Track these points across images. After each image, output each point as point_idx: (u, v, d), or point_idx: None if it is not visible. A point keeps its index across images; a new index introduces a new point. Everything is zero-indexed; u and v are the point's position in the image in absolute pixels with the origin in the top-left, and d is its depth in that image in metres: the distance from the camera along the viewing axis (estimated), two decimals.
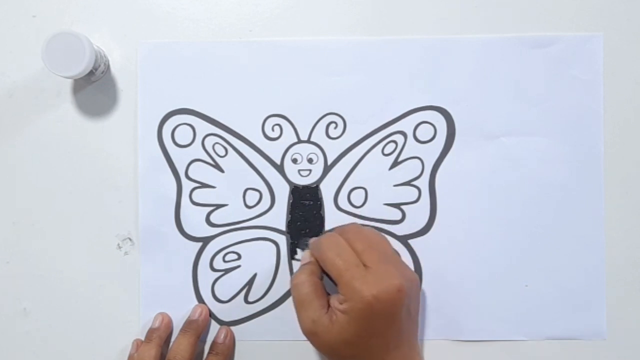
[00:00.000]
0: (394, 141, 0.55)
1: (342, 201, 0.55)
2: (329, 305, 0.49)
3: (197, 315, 0.54)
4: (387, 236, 0.54)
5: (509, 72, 0.54)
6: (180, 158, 0.55)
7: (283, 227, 0.55)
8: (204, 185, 0.55)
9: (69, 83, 0.55)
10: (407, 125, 0.55)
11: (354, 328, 0.47)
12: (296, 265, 0.55)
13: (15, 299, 0.55)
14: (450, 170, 0.55)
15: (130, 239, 0.55)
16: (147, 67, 0.55)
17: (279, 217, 0.55)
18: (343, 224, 0.54)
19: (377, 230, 0.54)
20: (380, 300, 0.46)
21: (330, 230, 0.55)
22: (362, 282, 0.47)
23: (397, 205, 0.55)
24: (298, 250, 0.55)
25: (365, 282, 0.47)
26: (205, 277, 0.55)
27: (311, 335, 0.48)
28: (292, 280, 0.50)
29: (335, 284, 0.48)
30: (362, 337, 0.47)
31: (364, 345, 0.47)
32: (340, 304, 0.47)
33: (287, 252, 0.55)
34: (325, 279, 0.51)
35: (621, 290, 0.55)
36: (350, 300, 0.47)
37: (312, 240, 0.53)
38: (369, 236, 0.50)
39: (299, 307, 0.49)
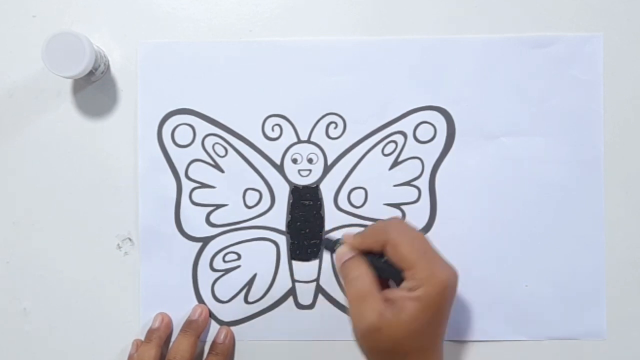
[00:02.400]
0: (394, 141, 0.55)
1: (342, 201, 0.55)
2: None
3: (197, 315, 0.54)
4: None
5: (509, 72, 0.54)
6: (180, 158, 0.55)
7: (283, 227, 0.55)
8: (204, 185, 0.55)
9: (69, 83, 0.55)
10: (407, 125, 0.55)
11: (426, 315, 0.45)
12: (296, 266, 0.55)
13: (15, 299, 0.55)
14: (450, 170, 0.55)
15: (130, 239, 0.55)
16: (147, 67, 0.55)
17: (279, 217, 0.55)
18: (343, 223, 0.54)
19: None
20: (454, 285, 0.46)
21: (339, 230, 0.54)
22: (440, 266, 0.46)
23: (397, 205, 0.55)
24: (321, 252, 0.53)
25: (442, 267, 0.46)
26: (205, 277, 0.55)
27: (374, 331, 0.45)
28: (346, 275, 0.48)
29: (394, 277, 0.47)
30: (432, 325, 0.46)
31: (432, 335, 0.46)
32: (412, 291, 0.45)
33: (287, 252, 0.55)
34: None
35: (621, 290, 0.55)
36: (427, 285, 0.45)
37: (350, 234, 0.50)
38: (415, 230, 0.50)
39: (358, 302, 0.46)
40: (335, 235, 0.54)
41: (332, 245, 0.50)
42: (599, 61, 0.54)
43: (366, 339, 0.46)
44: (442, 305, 0.46)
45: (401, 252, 0.46)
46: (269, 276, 0.55)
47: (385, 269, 0.47)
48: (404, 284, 0.46)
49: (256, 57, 0.55)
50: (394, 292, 0.46)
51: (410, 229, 0.49)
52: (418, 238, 0.48)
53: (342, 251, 0.49)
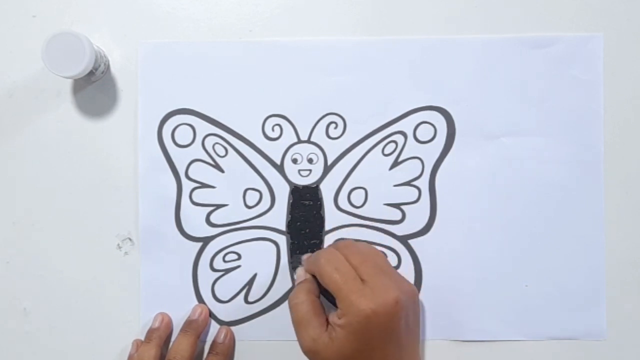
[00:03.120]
0: (394, 141, 0.55)
1: (342, 201, 0.55)
2: (327, 324, 0.48)
3: (197, 315, 0.54)
4: (387, 236, 0.54)
5: (509, 72, 0.54)
6: (181, 158, 0.55)
7: (283, 227, 0.55)
8: (204, 185, 0.55)
9: (69, 83, 0.55)
10: (407, 125, 0.55)
11: (353, 343, 0.47)
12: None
13: (15, 299, 0.55)
14: (450, 171, 0.55)
15: (130, 239, 0.55)
16: (147, 67, 0.55)
17: (279, 217, 0.55)
18: (343, 223, 0.54)
19: (377, 230, 0.55)
20: (378, 313, 0.46)
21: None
22: (359, 296, 0.47)
23: (397, 206, 0.55)
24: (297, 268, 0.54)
25: (363, 296, 0.47)
26: (205, 277, 0.55)
27: (312, 354, 0.48)
28: (290, 300, 0.50)
29: (333, 300, 0.48)
30: (362, 352, 0.47)
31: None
32: (339, 318, 0.47)
33: (287, 252, 0.55)
34: (322, 297, 0.51)
35: (621, 290, 0.55)
36: (348, 315, 0.46)
37: (306, 256, 0.53)
38: (364, 250, 0.51)
39: (298, 327, 0.49)
40: (300, 256, 0.55)
41: (296, 265, 0.54)
42: (599, 61, 0.54)
43: (309, 358, 0.49)
44: (371, 332, 0.46)
45: (324, 282, 0.49)
46: (269, 276, 0.55)
47: (328, 293, 0.49)
48: (337, 310, 0.48)
49: (256, 57, 0.55)
50: (332, 317, 0.48)
51: (338, 257, 0.49)
52: (343, 267, 0.48)
53: (299, 273, 0.53)
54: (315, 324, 0.48)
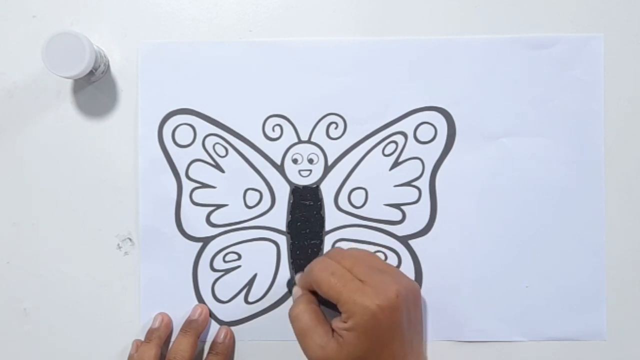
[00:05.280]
0: (395, 142, 0.55)
1: (343, 201, 0.55)
2: (332, 331, 0.48)
3: (197, 315, 0.54)
4: (387, 237, 0.55)
5: (510, 73, 0.54)
6: (181, 158, 0.55)
7: (283, 228, 0.55)
8: (204, 186, 0.55)
9: (69, 83, 0.55)
10: (407, 125, 0.55)
11: (364, 343, 0.46)
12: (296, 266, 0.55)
13: (15, 299, 0.55)
14: (450, 171, 0.55)
15: (130, 239, 0.55)
16: (147, 67, 0.55)
17: (279, 217, 0.55)
18: (343, 223, 0.55)
19: (378, 230, 0.55)
20: (384, 308, 0.46)
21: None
22: (361, 294, 0.47)
23: (397, 206, 0.55)
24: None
25: (365, 294, 0.47)
26: (206, 277, 0.55)
27: None
28: (290, 313, 0.50)
29: (334, 308, 0.48)
30: (373, 350, 0.47)
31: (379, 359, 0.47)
32: (345, 322, 0.47)
33: (287, 252, 0.55)
34: (322, 307, 0.51)
35: (621, 290, 0.55)
36: (354, 316, 0.46)
37: (299, 275, 0.54)
38: (354, 253, 0.51)
39: (302, 338, 0.48)
40: (293, 277, 0.55)
41: (291, 287, 0.54)
42: (599, 62, 0.54)
43: None
44: (379, 329, 0.46)
45: (322, 291, 0.48)
46: (269, 276, 0.55)
47: (327, 303, 0.49)
48: (340, 315, 0.48)
49: (256, 57, 0.55)
50: (336, 323, 0.48)
51: (331, 263, 0.49)
52: (339, 270, 0.48)
53: (295, 290, 0.53)
54: (321, 332, 0.48)
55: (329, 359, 0.47)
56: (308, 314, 0.49)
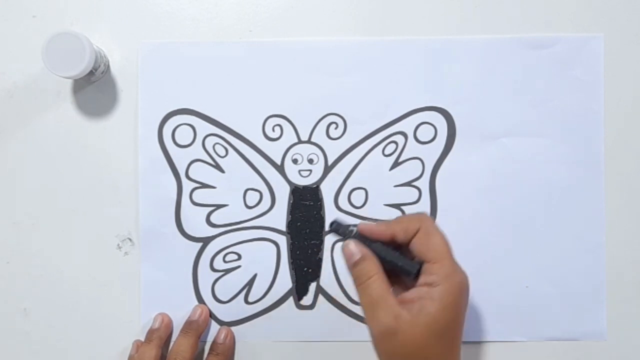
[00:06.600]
0: (395, 142, 0.55)
1: (343, 202, 0.55)
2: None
3: (197, 315, 0.54)
4: None
5: (510, 73, 0.54)
6: (181, 158, 0.55)
7: (283, 228, 0.55)
8: (204, 186, 0.55)
9: (69, 83, 0.55)
10: (407, 125, 0.55)
11: (446, 317, 0.43)
12: (296, 266, 0.55)
13: (15, 299, 0.55)
14: (450, 171, 0.55)
15: (130, 239, 0.55)
16: (147, 67, 0.55)
17: (279, 217, 0.55)
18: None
19: None
20: (468, 289, 0.44)
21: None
22: (459, 267, 0.44)
23: (397, 206, 0.55)
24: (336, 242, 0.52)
25: (460, 268, 0.44)
26: (206, 277, 0.55)
27: (391, 335, 0.43)
28: (356, 278, 0.45)
29: (406, 271, 0.45)
30: (451, 328, 0.43)
31: (451, 339, 0.44)
32: (431, 287, 0.43)
33: (287, 252, 0.55)
34: None
35: (621, 290, 0.55)
36: (446, 283, 0.43)
37: (365, 223, 0.47)
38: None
39: (372, 307, 0.44)
40: (346, 220, 0.50)
41: (343, 232, 0.47)
42: (599, 62, 0.54)
43: (383, 343, 0.44)
44: (460, 306, 0.44)
45: (434, 241, 0.44)
46: (269, 276, 0.55)
47: (399, 261, 0.45)
48: (422, 279, 0.44)
49: (256, 57, 0.55)
50: (411, 293, 0.44)
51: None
52: (445, 236, 0.45)
53: (351, 250, 0.46)
54: (393, 301, 0.43)
55: (399, 332, 0.43)
56: (380, 281, 0.44)
